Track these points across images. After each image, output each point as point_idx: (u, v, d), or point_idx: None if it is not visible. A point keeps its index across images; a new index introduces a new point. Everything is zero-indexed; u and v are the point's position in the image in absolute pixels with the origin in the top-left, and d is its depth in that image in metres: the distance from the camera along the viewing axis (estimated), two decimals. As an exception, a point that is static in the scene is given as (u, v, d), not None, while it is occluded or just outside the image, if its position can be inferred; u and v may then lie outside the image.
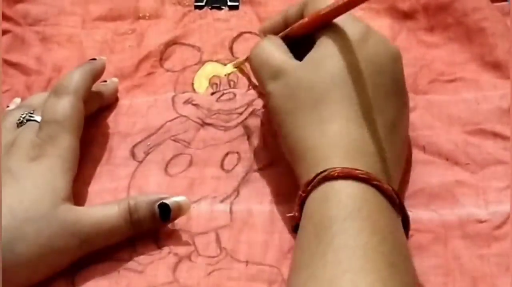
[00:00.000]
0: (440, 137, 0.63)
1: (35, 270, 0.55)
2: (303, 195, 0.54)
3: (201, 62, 0.70)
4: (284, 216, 0.59)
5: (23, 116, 0.61)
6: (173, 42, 0.71)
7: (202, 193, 0.61)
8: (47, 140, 0.58)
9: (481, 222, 0.59)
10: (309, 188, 0.53)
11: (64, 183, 0.58)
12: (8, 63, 0.70)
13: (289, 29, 0.61)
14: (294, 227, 0.54)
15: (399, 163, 0.58)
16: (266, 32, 0.64)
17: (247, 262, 0.57)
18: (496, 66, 0.67)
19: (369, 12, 0.71)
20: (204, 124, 0.65)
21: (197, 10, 0.73)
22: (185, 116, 0.66)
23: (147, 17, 0.73)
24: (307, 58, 0.58)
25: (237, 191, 0.61)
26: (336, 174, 0.52)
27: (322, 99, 0.56)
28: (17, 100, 0.66)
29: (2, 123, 0.61)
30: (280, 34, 0.62)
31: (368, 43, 0.57)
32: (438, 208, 0.60)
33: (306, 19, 0.59)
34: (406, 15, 0.70)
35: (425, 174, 0.61)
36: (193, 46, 0.71)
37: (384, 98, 0.56)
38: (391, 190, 0.53)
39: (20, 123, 0.61)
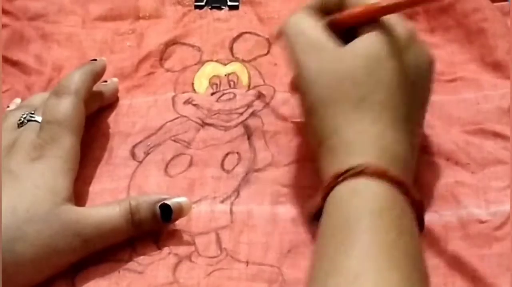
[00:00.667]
0: (440, 137, 0.63)
1: (36, 270, 0.55)
2: (332, 184, 0.53)
3: (201, 62, 0.70)
4: (284, 216, 0.59)
5: (23, 116, 0.61)
6: (173, 42, 0.71)
7: (202, 193, 0.61)
8: (48, 141, 0.58)
9: (481, 222, 0.59)
10: (340, 179, 0.53)
11: (65, 183, 0.58)
12: (8, 61, 0.70)
13: (336, 15, 0.59)
14: (313, 215, 0.54)
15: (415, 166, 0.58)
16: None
17: (247, 262, 0.57)
18: (496, 67, 0.67)
19: (369, 12, 0.71)
20: (204, 124, 0.65)
21: (197, 10, 0.73)
22: (185, 116, 0.66)
23: (147, 17, 0.73)
24: (355, 48, 0.56)
25: (237, 191, 0.61)
26: (372, 170, 0.52)
27: (366, 98, 0.55)
28: (18, 100, 0.66)
29: (2, 123, 0.61)
30: (326, 20, 0.59)
31: (413, 48, 0.57)
32: (439, 209, 0.60)
33: (359, 9, 0.57)
34: (407, 16, 0.70)
35: (426, 174, 0.61)
36: (193, 46, 0.71)
37: (419, 107, 0.57)
38: (420, 199, 0.53)
39: (20, 124, 0.61)
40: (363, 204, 0.51)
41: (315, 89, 0.56)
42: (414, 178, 0.57)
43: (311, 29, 0.58)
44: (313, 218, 0.54)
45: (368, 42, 0.56)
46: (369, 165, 0.52)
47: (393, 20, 0.56)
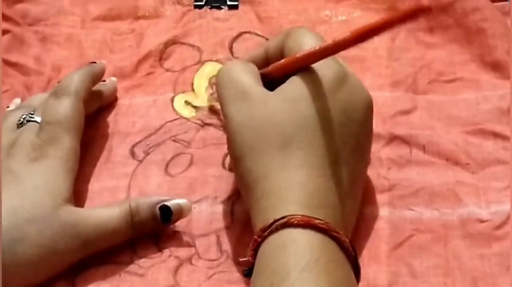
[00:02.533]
0: (440, 137, 0.63)
1: (36, 271, 0.55)
2: (259, 239, 0.51)
3: (200, 62, 0.70)
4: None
5: (23, 117, 0.61)
6: (172, 42, 0.71)
7: (203, 193, 0.61)
8: (48, 141, 0.58)
9: (482, 221, 0.59)
10: (265, 233, 0.51)
11: (65, 184, 0.58)
12: (7, 63, 0.70)
13: (265, 69, 0.59)
14: (245, 272, 0.53)
15: (354, 215, 0.57)
16: None
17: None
18: (495, 67, 0.67)
19: (368, 12, 0.71)
20: (204, 125, 0.65)
21: (196, 10, 0.73)
22: (184, 117, 0.66)
23: (146, 17, 0.73)
24: (278, 92, 0.55)
25: (238, 191, 0.61)
26: (296, 221, 0.50)
27: (289, 143, 0.54)
28: (17, 100, 0.66)
29: (2, 124, 0.61)
30: (260, 72, 0.59)
31: (343, 90, 0.55)
32: (440, 206, 0.60)
33: (282, 61, 0.57)
34: (406, 16, 0.71)
35: (426, 174, 0.61)
36: (192, 45, 0.71)
37: (350, 150, 0.55)
38: (349, 242, 0.51)
39: (20, 124, 0.61)
40: (289, 258, 0.49)
41: (240, 137, 0.55)
42: (352, 224, 0.56)
43: (241, 78, 0.57)
44: (248, 275, 0.53)
45: (292, 85, 0.55)
46: (293, 216, 0.51)
47: (324, 62, 0.55)
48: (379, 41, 0.69)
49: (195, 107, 0.66)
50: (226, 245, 0.58)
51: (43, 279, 0.56)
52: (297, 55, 0.55)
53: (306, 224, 0.50)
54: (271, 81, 0.57)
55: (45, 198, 0.56)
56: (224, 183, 0.62)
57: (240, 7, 0.73)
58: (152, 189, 0.62)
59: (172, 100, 0.67)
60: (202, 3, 0.73)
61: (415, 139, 0.63)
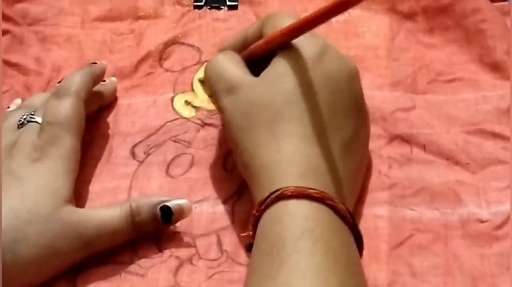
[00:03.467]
0: (440, 137, 0.63)
1: (37, 272, 0.55)
2: (257, 214, 0.52)
3: (200, 63, 0.70)
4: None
5: (24, 117, 0.61)
6: (172, 42, 0.71)
7: (204, 194, 0.61)
8: (49, 142, 0.58)
9: (482, 221, 0.59)
10: (262, 207, 0.52)
11: (66, 184, 0.58)
12: (7, 63, 0.70)
13: (247, 50, 0.60)
14: (247, 246, 0.54)
15: (355, 181, 0.58)
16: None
17: (248, 265, 0.57)
18: (495, 67, 0.67)
19: (368, 12, 0.71)
20: (204, 125, 0.65)
21: (196, 10, 0.73)
22: (184, 117, 0.66)
23: (146, 17, 0.73)
24: (263, 75, 0.57)
25: (239, 191, 0.61)
26: (290, 193, 0.51)
27: (276, 118, 0.55)
28: (18, 101, 0.66)
29: (3, 124, 0.61)
30: (241, 55, 0.61)
31: (324, 61, 0.56)
32: (440, 206, 0.60)
33: (261, 41, 0.59)
34: (406, 17, 0.71)
35: (426, 173, 0.61)
36: (192, 46, 0.71)
37: (341, 116, 0.56)
38: (345, 209, 0.52)
39: (21, 125, 0.61)
40: (285, 229, 0.50)
41: (233, 124, 0.57)
42: (353, 190, 0.57)
43: (228, 70, 0.59)
44: (249, 250, 0.53)
45: (274, 65, 0.57)
46: (287, 187, 0.51)
47: (303, 38, 0.56)
48: (379, 41, 0.69)
49: (195, 107, 0.66)
50: (227, 245, 0.58)
51: (44, 279, 0.56)
52: (274, 33, 0.57)
53: (300, 195, 0.51)
54: (255, 64, 0.59)
55: (46, 199, 0.56)
56: (225, 183, 0.62)
57: (239, 7, 0.73)
58: (153, 189, 0.62)
59: (172, 100, 0.67)
60: (202, 3, 0.73)
61: (415, 139, 0.63)
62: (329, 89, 0.56)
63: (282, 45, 0.57)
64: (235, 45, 0.62)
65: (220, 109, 0.59)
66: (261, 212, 0.52)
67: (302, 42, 0.56)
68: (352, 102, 0.57)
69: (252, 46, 0.60)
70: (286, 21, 0.57)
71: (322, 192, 0.51)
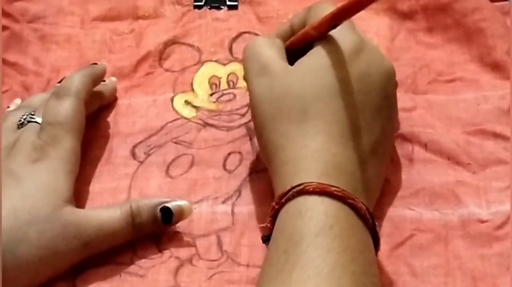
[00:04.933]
0: (441, 136, 0.63)
1: (37, 272, 0.55)
2: (276, 207, 0.52)
3: (200, 63, 0.70)
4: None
5: (23, 117, 0.61)
6: (172, 42, 0.71)
7: (204, 194, 0.61)
8: (49, 142, 0.58)
9: (482, 222, 0.59)
10: (283, 200, 0.52)
11: (66, 185, 0.58)
12: (6, 62, 0.70)
13: (289, 40, 0.60)
14: (264, 238, 0.53)
15: (378, 182, 0.57)
16: None
17: (247, 265, 0.57)
18: (495, 67, 0.67)
19: (368, 12, 0.71)
20: (205, 125, 0.65)
21: (196, 10, 0.73)
22: (185, 117, 0.66)
23: (146, 17, 0.73)
24: (298, 64, 0.57)
25: (239, 191, 0.61)
26: (312, 189, 0.51)
27: (308, 111, 0.55)
28: (18, 101, 0.66)
29: (2, 124, 0.61)
30: (285, 44, 0.60)
31: (361, 58, 0.56)
32: (440, 207, 0.60)
33: (301, 31, 0.58)
34: (406, 16, 0.71)
35: (427, 173, 0.61)
36: (192, 46, 0.71)
37: (371, 117, 0.55)
38: (365, 209, 0.52)
39: (21, 125, 0.61)
40: (304, 224, 0.50)
41: (261, 109, 0.57)
42: (376, 191, 0.57)
43: (266, 52, 0.58)
44: (266, 241, 0.53)
45: (310, 57, 0.56)
46: (310, 183, 0.51)
47: (341, 31, 0.56)
48: (379, 41, 0.69)
49: (195, 107, 0.66)
50: (227, 245, 0.58)
51: (44, 279, 0.56)
52: (312, 23, 0.57)
53: (322, 191, 0.51)
54: (296, 54, 0.58)
55: (46, 199, 0.56)
56: (225, 183, 0.62)
57: (239, 7, 0.73)
58: (153, 190, 0.62)
59: (171, 100, 0.67)
60: (202, 3, 0.73)
61: (416, 136, 0.63)
62: (362, 89, 0.55)
63: (321, 36, 0.56)
64: (281, 33, 0.62)
65: (249, 89, 0.58)
66: (281, 205, 0.52)
67: (340, 35, 0.56)
68: (384, 104, 0.57)
69: (292, 38, 0.60)
70: (328, 10, 0.56)
71: (344, 190, 0.51)
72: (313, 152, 0.53)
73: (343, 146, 0.54)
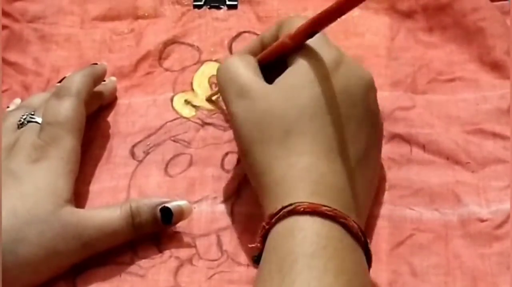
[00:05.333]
0: (440, 136, 0.63)
1: (37, 272, 0.55)
2: (267, 227, 0.52)
3: (200, 62, 0.70)
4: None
5: (23, 117, 0.61)
6: (172, 42, 0.71)
7: (203, 193, 0.61)
8: (49, 142, 0.58)
9: (482, 221, 0.59)
10: (273, 220, 0.51)
11: (66, 185, 0.58)
12: (6, 62, 0.70)
13: (261, 53, 0.59)
14: (254, 258, 0.53)
15: (368, 195, 0.57)
16: None
17: (248, 265, 0.57)
18: (494, 67, 0.67)
19: (367, 12, 0.71)
20: (204, 124, 0.65)
21: (196, 10, 0.73)
22: (184, 117, 0.66)
23: (145, 17, 0.73)
24: (278, 83, 0.56)
25: (238, 191, 0.61)
26: (302, 209, 0.50)
27: (291, 131, 0.54)
28: (18, 101, 0.66)
29: (2, 124, 0.61)
30: (256, 58, 0.59)
31: (340, 71, 0.55)
32: (440, 207, 0.60)
33: (274, 44, 0.58)
34: (405, 15, 0.70)
35: (426, 173, 0.61)
36: (192, 45, 0.71)
37: (356, 129, 0.55)
38: (357, 227, 0.51)
39: (21, 125, 0.61)
40: (297, 245, 0.49)
41: (244, 131, 0.56)
42: (365, 202, 0.56)
43: (242, 73, 0.57)
44: (257, 261, 0.52)
45: (289, 75, 0.55)
46: (301, 203, 0.51)
47: (318, 45, 0.55)
48: (379, 40, 0.69)
49: (194, 106, 0.66)
50: (227, 245, 0.58)
51: (44, 279, 0.56)
52: (285, 35, 0.56)
53: (313, 211, 0.50)
54: (269, 68, 0.58)
55: (46, 199, 0.56)
56: (224, 183, 0.62)
57: (239, 7, 0.73)
58: (152, 189, 0.62)
59: (171, 99, 0.67)
60: (201, 3, 0.73)
61: (415, 138, 0.63)
62: (344, 103, 0.54)
63: (297, 45, 0.55)
64: (252, 49, 0.61)
65: (229, 112, 0.57)
66: (272, 225, 0.51)
67: (319, 49, 0.55)
68: (367, 115, 0.56)
69: (265, 51, 0.59)
70: (300, 23, 0.55)
71: (335, 209, 0.51)
72: (301, 170, 0.53)
73: (330, 161, 0.53)
